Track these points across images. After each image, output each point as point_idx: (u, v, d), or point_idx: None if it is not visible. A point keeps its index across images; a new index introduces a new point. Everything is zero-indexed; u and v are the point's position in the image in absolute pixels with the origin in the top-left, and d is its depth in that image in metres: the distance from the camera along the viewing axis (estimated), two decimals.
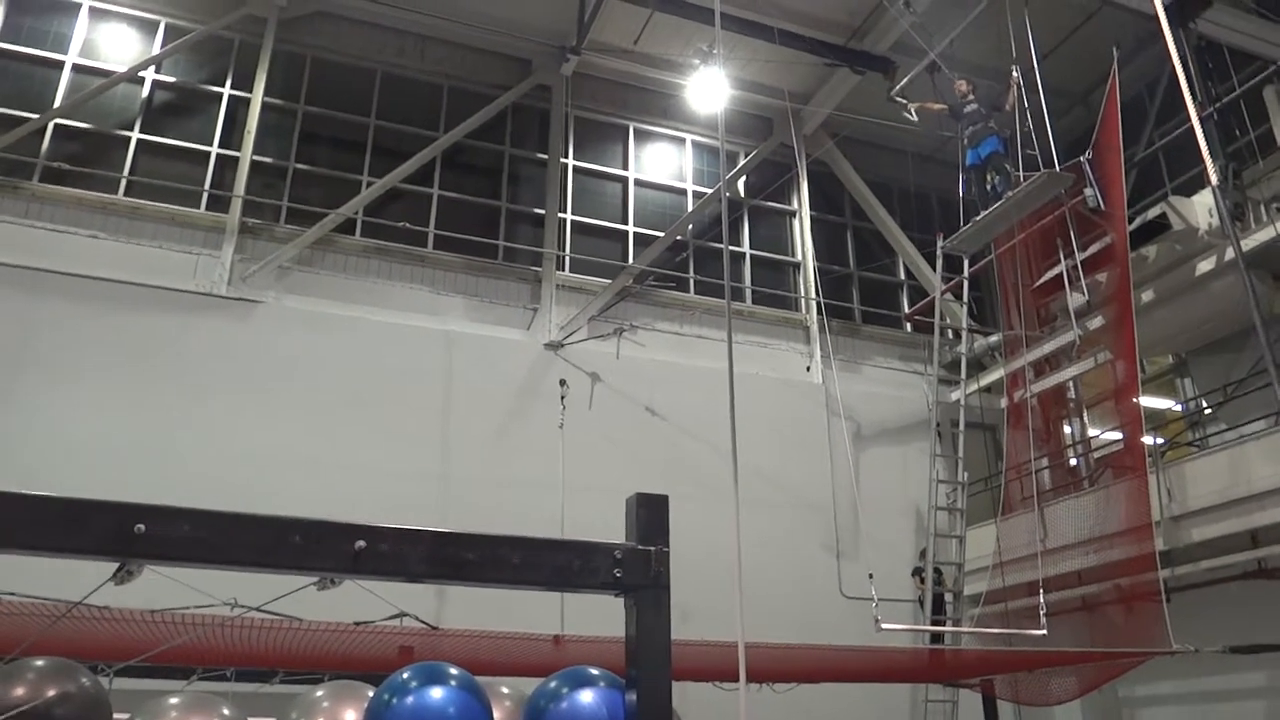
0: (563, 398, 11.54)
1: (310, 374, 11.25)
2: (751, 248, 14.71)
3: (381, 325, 11.84)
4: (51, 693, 3.43)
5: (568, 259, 13.44)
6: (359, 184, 12.82)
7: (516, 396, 12.05)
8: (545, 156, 14.04)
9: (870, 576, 8.49)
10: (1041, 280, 12.63)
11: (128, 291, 10.99)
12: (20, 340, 10.42)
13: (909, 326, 14.94)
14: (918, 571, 12.46)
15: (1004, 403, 13.15)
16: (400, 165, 12.90)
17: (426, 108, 13.76)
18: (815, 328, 14.09)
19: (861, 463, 12.76)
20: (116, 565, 2.90)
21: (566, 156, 14.17)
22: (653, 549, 3.60)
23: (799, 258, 14.85)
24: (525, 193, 13.90)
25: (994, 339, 13.81)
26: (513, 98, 13.97)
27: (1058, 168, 10.63)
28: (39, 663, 3.60)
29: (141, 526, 2.82)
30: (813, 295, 14.23)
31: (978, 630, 10.88)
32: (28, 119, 11.58)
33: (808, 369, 13.89)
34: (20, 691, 3.43)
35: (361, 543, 3.19)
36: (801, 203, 15.10)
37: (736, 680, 5.50)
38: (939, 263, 13.20)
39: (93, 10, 12.61)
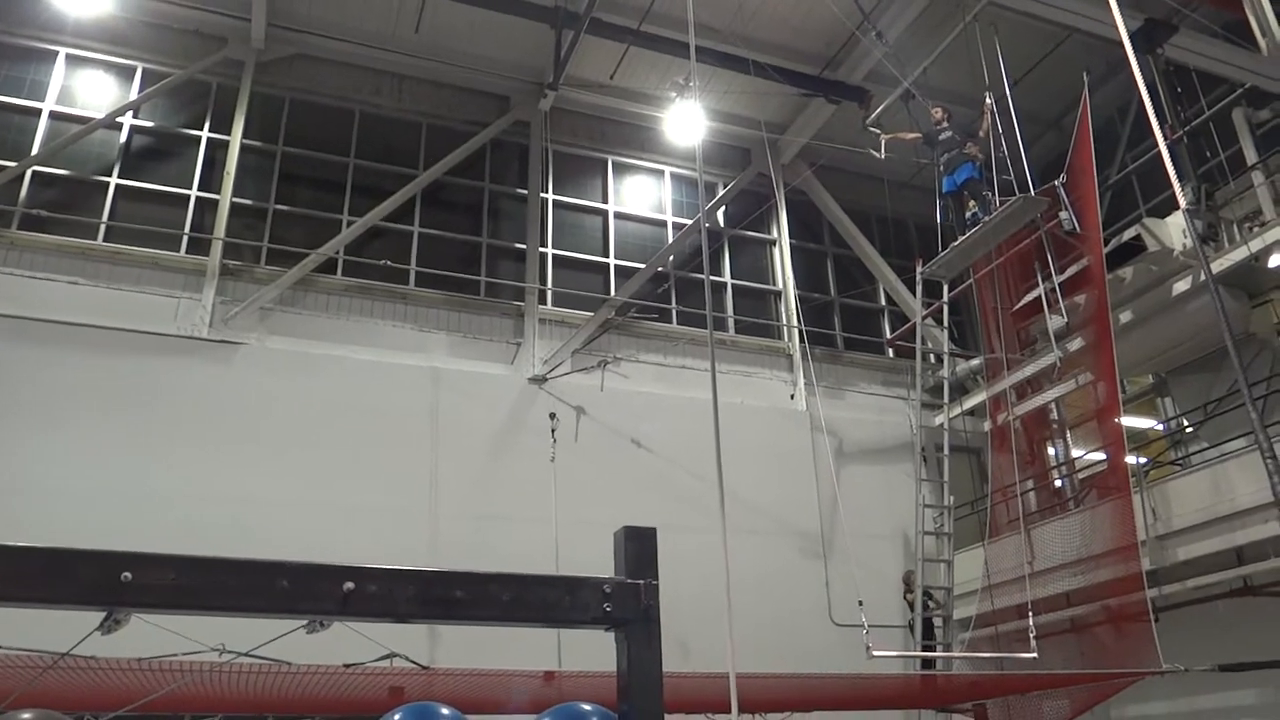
0: (553, 430, 11.55)
1: (295, 415, 11.20)
2: (733, 277, 14.79)
3: (366, 364, 11.82)
4: None
5: (550, 293, 13.47)
6: (339, 223, 12.84)
7: (502, 431, 12.03)
8: (525, 191, 14.11)
9: (860, 603, 8.49)
10: (1021, 303, 12.75)
11: (109, 337, 10.93)
12: (5, 389, 10.33)
13: (891, 352, 15.04)
14: (908, 593, 12.46)
15: (987, 426, 13.22)
16: (380, 204, 12.93)
17: (405, 146, 13.82)
18: (798, 355, 14.15)
19: (847, 488, 12.77)
20: (103, 614, 2.89)
21: (546, 191, 14.24)
22: (642, 583, 3.60)
23: (780, 286, 14.94)
24: (506, 228, 13.95)
25: (975, 362, 13.90)
26: (491, 134, 14.06)
27: (1033, 192, 10.77)
28: (25, 716, 3.56)
29: (129, 575, 2.81)
30: (795, 323, 14.30)
31: (969, 655, 10.87)
32: (5, 167, 11.55)
33: (791, 396, 13.93)
34: None
35: (350, 584, 3.19)
36: (781, 231, 15.22)
37: (729, 711, 5.48)
38: (919, 288, 13.31)
39: (69, 57, 12.64)
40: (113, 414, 10.57)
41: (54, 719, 3.63)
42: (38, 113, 12.24)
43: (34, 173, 11.85)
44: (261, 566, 3.09)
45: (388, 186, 13.20)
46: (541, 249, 13.74)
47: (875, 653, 8.31)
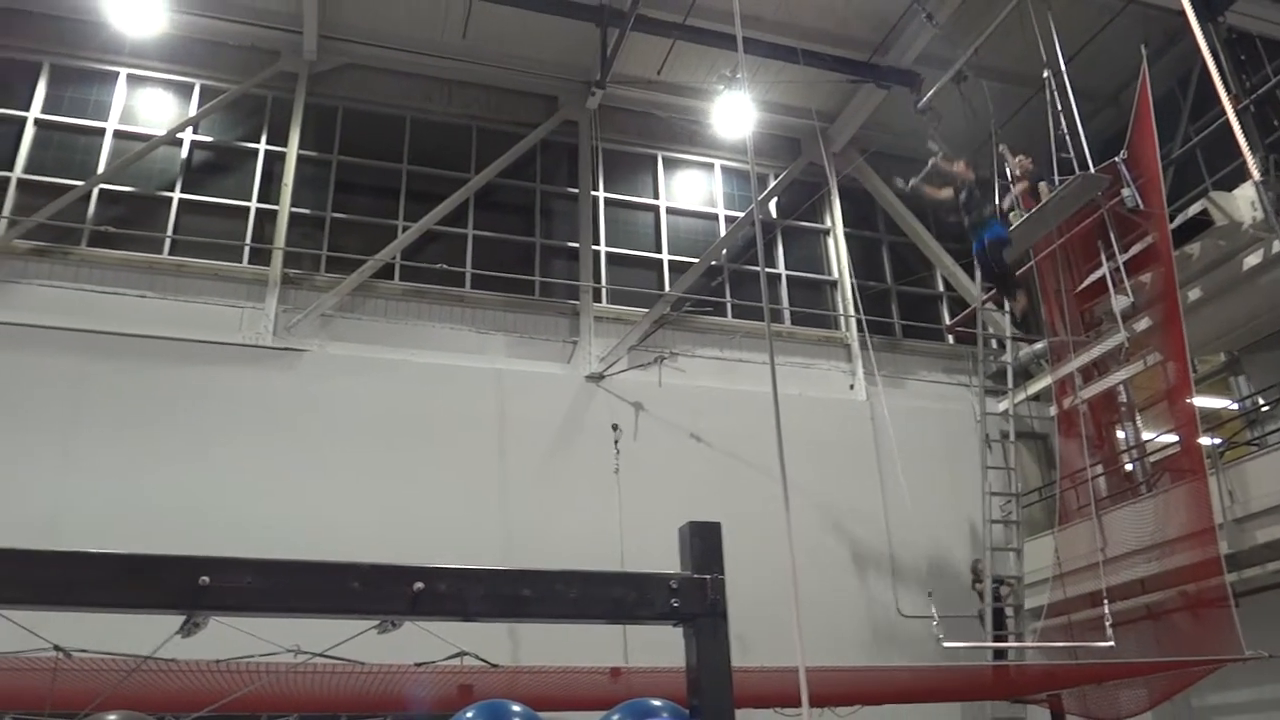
0: (616, 442, 11.54)
1: (360, 419, 11.38)
2: (787, 268, 14.69)
3: (426, 367, 11.96)
4: None
5: (604, 291, 13.51)
6: (395, 229, 13.01)
7: (561, 430, 12.09)
8: (576, 190, 14.16)
9: (930, 594, 8.37)
10: (1084, 284, 12.47)
11: (177, 348, 11.21)
12: (76, 401, 10.67)
13: (951, 339, 14.79)
14: (977, 582, 12.26)
15: (1053, 410, 12.95)
16: (434, 208, 13.06)
17: (457, 150, 13.96)
18: (856, 345, 14.01)
19: (910, 478, 12.59)
20: (183, 618, 2.96)
21: (597, 189, 14.28)
22: (708, 577, 3.59)
23: (835, 275, 14.80)
24: (558, 227, 14.02)
25: (1039, 346, 13.63)
26: (541, 135, 14.12)
27: (1092, 170, 10.52)
28: (111, 717, 3.66)
29: (206, 579, 2.87)
30: (852, 313, 14.15)
31: (1045, 645, 10.66)
32: (73, 186, 11.91)
33: (851, 386, 13.79)
34: None
35: (420, 584, 3.22)
36: (835, 220, 15.07)
37: (798, 706, 5.44)
38: (978, 273, 13.07)
39: (130, 77, 12.98)
40: (182, 422, 10.83)
41: (137, 719, 3.73)
42: (102, 132, 12.59)
43: (100, 190, 12.20)
44: (333, 568, 3.13)
45: (441, 191, 13.34)
46: (594, 247, 13.78)
47: (946, 644, 8.18)
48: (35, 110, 12.47)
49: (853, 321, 14.09)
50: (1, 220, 11.61)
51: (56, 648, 4.31)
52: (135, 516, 9.77)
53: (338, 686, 5.51)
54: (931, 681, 9.36)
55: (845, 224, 15.10)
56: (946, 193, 12.01)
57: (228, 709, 4.40)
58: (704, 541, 3.69)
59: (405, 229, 12.95)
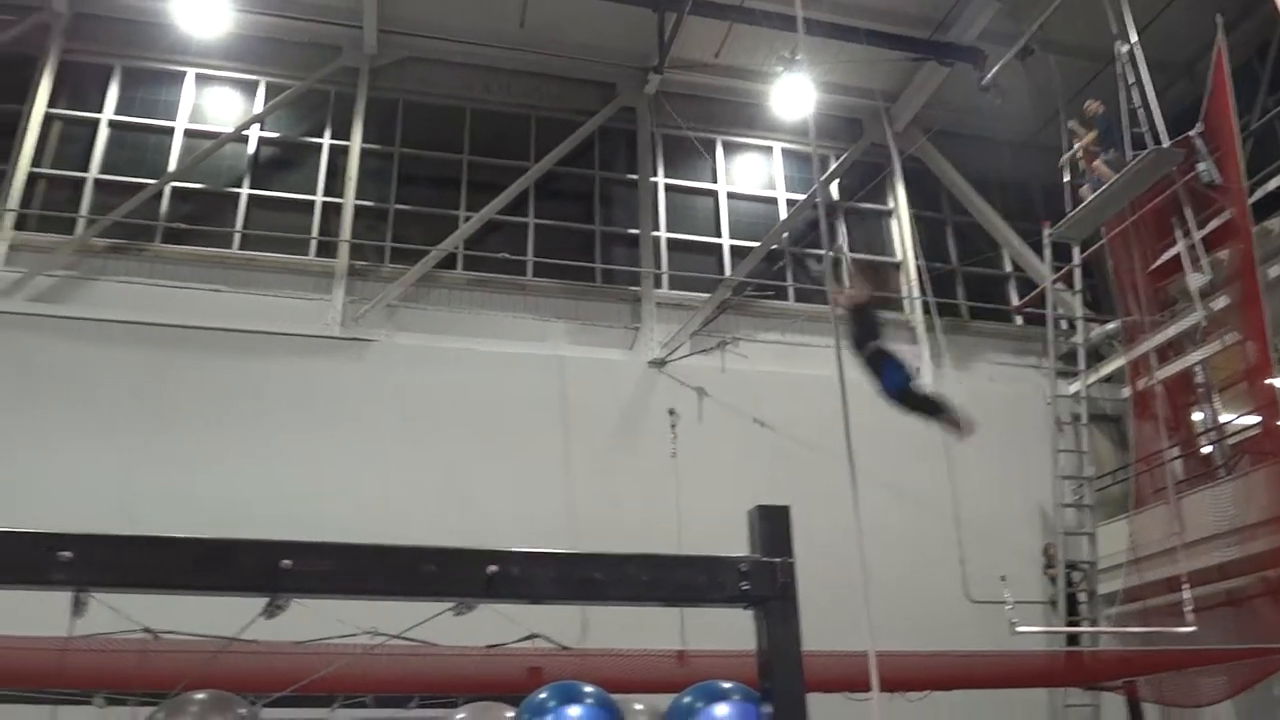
0: (673, 426, 11.54)
1: (425, 406, 11.54)
2: (850, 250, 14.52)
3: (490, 355, 12.08)
4: None
5: (665, 276, 13.50)
6: (457, 219, 13.14)
7: (625, 415, 12.14)
8: (635, 177, 14.15)
9: (1003, 579, 8.24)
10: (1159, 262, 12.13)
11: (248, 339, 11.49)
12: (153, 393, 10.99)
13: (1020, 320, 14.50)
14: (1049, 567, 12.03)
15: (1127, 392, 12.63)
16: (495, 198, 13.17)
17: (516, 139, 14.03)
18: (922, 327, 13.81)
19: (979, 461, 12.39)
20: (266, 600, 3.04)
21: (656, 175, 14.26)
22: (778, 561, 3.59)
23: (899, 257, 14.60)
24: (618, 214, 14.04)
25: (1112, 326, 13.29)
26: (599, 122, 14.13)
27: (1166, 144, 10.22)
28: (200, 696, 3.78)
29: (288, 562, 2.96)
30: (917, 294, 13.95)
31: (1121, 630, 10.43)
32: (146, 184, 12.24)
33: (917, 370, 13.58)
34: None
35: (493, 567, 3.27)
36: (898, 201, 14.86)
37: (868, 691, 5.41)
38: (1047, 252, 12.79)
39: (198, 76, 13.28)
40: (254, 412, 11.10)
41: (227, 699, 3.85)
42: (172, 131, 12.92)
43: (172, 188, 12.53)
44: (409, 552, 3.20)
45: (501, 180, 13.44)
46: (655, 233, 13.77)
47: (1020, 628, 8.05)
48: (109, 112, 12.84)
49: (918, 304, 13.89)
50: (80, 219, 11.99)
51: (146, 629, 4.47)
52: (210, 504, 10.01)
53: (413, 669, 5.62)
54: (1004, 667, 9.22)
55: (909, 204, 14.87)
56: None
57: (307, 690, 4.53)
58: (772, 525, 3.68)
59: (467, 219, 13.08)
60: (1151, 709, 11.29)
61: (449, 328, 12.34)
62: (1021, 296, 14.53)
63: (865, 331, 8.19)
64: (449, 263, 12.82)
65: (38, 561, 2.91)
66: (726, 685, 3.77)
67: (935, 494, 12.27)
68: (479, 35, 13.84)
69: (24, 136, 12.19)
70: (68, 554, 2.90)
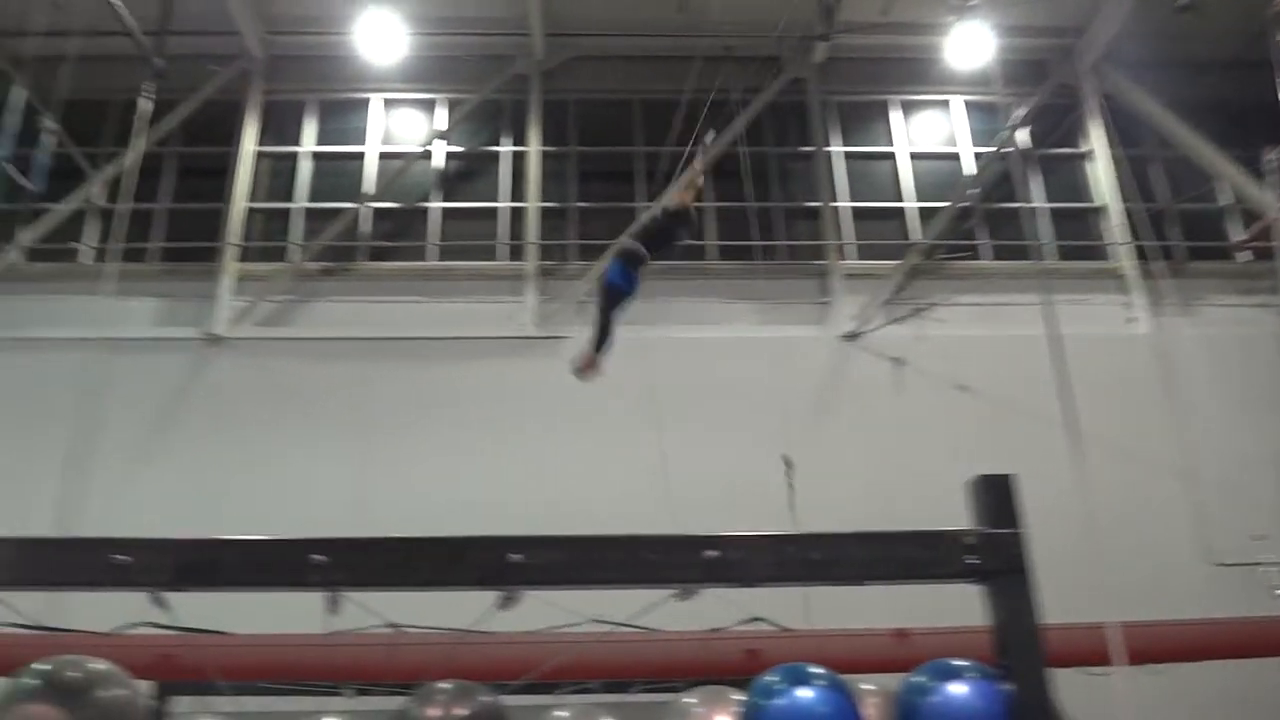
0: (787, 473, 10.63)
1: (623, 397, 11.70)
2: (1046, 200, 13.72)
3: (679, 340, 12.12)
4: (461, 711, 3.81)
5: (851, 247, 13.18)
6: (634, 211, 13.29)
7: (820, 392, 11.96)
8: (810, 149, 13.88)
9: (1263, 538, 7.55)
10: None
11: (450, 345, 12.07)
12: (370, 402, 11.72)
13: (1244, 256, 13.27)
14: None
15: None
16: (670, 185, 13.21)
17: (686, 125, 14.02)
18: (1132, 274, 12.89)
19: (1211, 413, 11.47)
20: (499, 593, 3.19)
21: (831, 144, 13.94)
22: (1006, 531, 3.43)
23: (1101, 202, 13.67)
24: (796, 188, 13.82)
25: None
26: (767, 98, 13.90)
27: None
28: (445, 685, 4.00)
29: (517, 556, 3.08)
30: (1125, 239, 13.01)
31: None
32: (347, 208, 13.05)
33: (1129, 320, 12.71)
34: (434, 712, 3.83)
35: (712, 552, 3.29)
36: (1095, 142, 13.91)
37: (1108, 664, 5.10)
38: (1271, 179, 11.61)
39: (385, 101, 14.04)
40: (464, 414, 11.65)
41: (470, 688, 4.04)
42: (364, 156, 13.72)
43: (370, 209, 13.30)
44: (629, 541, 3.27)
45: (675, 168, 13.47)
46: (835, 204, 13.47)
47: None
48: (308, 144, 13.79)
49: (1126, 250, 12.96)
50: (292, 246, 12.94)
51: (390, 624, 4.77)
52: (436, 504, 10.59)
53: (635, 654, 5.75)
54: (1259, 636, 8.48)
55: (1108, 145, 13.88)
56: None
57: (544, 678, 4.71)
58: (997, 495, 3.53)
59: (646, 209, 13.19)
60: None
61: (638, 318, 12.41)
62: (1245, 229, 13.29)
63: (654, 235, 8.25)
64: None
65: (296, 565, 3.16)
66: (960, 663, 3.63)
67: (1163, 452, 11.44)
68: (640, 26, 13.93)
69: (237, 175, 13.26)
70: (321, 557, 3.14)
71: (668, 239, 8.29)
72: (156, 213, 13.28)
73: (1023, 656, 3.31)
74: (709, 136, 10.12)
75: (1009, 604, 3.35)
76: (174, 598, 3.32)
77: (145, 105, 10.93)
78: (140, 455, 11.42)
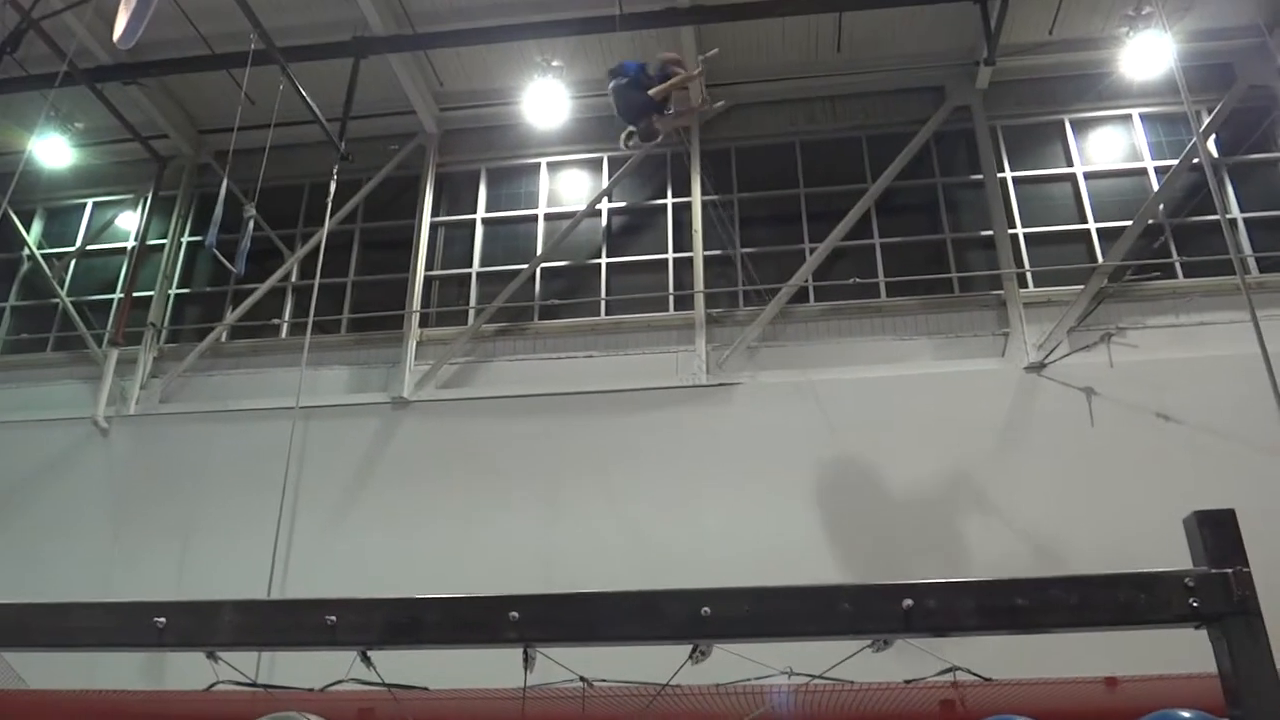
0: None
1: (799, 442, 11.63)
2: (1242, 210, 12.80)
3: (856, 382, 11.96)
4: None
5: (1029, 275, 12.66)
6: (802, 253, 13.23)
7: (1006, 426, 11.46)
8: (980, 176, 13.47)
9: None
10: None
11: (625, 398, 12.28)
12: (549, 457, 12.05)
13: None
14: None
15: None
16: (837, 224, 13.10)
17: (849, 163, 13.92)
18: None
19: None
20: (691, 647, 3.18)
21: (1002, 170, 13.48)
22: (1230, 571, 3.18)
23: None
24: (967, 218, 13.42)
25: None
26: (932, 128, 13.64)
27: None
28: None
29: (708, 609, 3.08)
30: None
31: None
32: (519, 270, 13.58)
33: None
34: None
35: (909, 601, 3.18)
36: None
37: None
38: None
39: (550, 164, 14.59)
40: (641, 464, 11.80)
41: None
42: (534, 219, 14.27)
43: (542, 269, 13.78)
44: (821, 591, 3.19)
45: (841, 206, 13.35)
46: (1010, 230, 12.98)
47: None
48: (480, 211, 14.47)
49: None
50: (470, 310, 13.55)
51: (581, 678, 4.85)
52: (612, 554, 10.76)
53: (830, 705, 5.62)
54: None
55: None
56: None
57: None
58: (1217, 532, 3.28)
59: (812, 250, 13.12)
60: None
61: (808, 361, 12.39)
62: None
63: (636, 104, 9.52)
64: (801, 296, 12.91)
65: (493, 622, 3.26)
66: (1185, 715, 3.37)
67: None
68: (797, 69, 13.98)
69: (418, 245, 14.04)
70: (516, 614, 3.23)
71: (637, 109, 9.64)
72: (345, 285, 14.21)
73: (1259, 706, 3.04)
74: (712, 52, 10.54)
75: (1240, 649, 3.09)
76: (375, 655, 3.48)
77: (332, 187, 11.83)
78: (336, 516, 12.15)
